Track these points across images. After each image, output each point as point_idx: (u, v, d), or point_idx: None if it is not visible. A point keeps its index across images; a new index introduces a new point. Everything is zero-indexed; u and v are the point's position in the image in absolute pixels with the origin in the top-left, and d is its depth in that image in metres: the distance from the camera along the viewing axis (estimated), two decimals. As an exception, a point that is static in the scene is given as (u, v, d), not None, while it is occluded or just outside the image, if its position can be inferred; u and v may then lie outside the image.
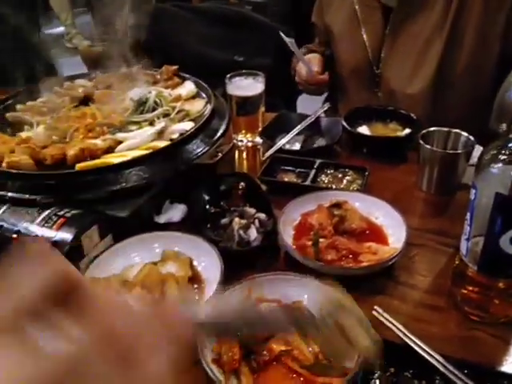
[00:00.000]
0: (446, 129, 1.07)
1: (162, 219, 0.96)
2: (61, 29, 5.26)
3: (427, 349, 0.67)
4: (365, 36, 1.36)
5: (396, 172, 1.13)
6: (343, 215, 0.91)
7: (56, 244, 0.77)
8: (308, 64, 1.38)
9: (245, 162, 1.22)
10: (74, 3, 5.01)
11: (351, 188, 1.03)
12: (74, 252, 0.78)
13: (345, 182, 1.05)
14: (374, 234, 0.91)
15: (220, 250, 0.83)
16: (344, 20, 1.40)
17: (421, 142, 1.03)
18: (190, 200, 0.98)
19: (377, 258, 0.84)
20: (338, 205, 0.93)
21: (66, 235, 0.78)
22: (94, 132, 0.97)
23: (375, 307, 0.74)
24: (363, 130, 1.22)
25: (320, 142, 1.22)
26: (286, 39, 1.29)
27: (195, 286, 0.82)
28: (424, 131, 1.07)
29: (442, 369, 0.65)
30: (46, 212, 0.82)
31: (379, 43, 1.35)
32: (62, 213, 0.81)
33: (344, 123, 1.18)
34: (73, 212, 0.81)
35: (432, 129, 1.07)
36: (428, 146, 1.03)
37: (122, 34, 1.54)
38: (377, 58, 1.36)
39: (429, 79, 1.29)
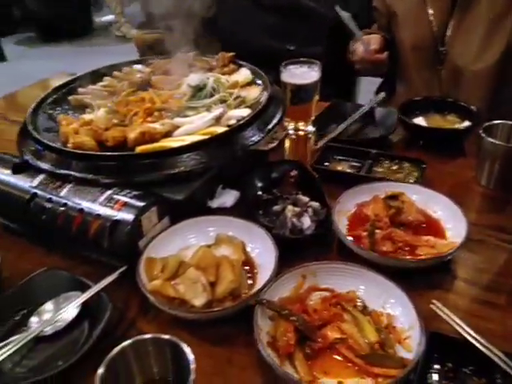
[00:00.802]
0: (510, 122, 1.03)
1: (214, 204, 0.97)
2: (111, 17, 5.39)
3: (488, 345, 0.65)
4: (431, 14, 1.36)
5: (453, 165, 1.10)
6: (400, 207, 0.89)
7: (117, 223, 0.80)
8: (365, 41, 1.37)
9: (296, 150, 1.21)
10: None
11: (408, 180, 1.01)
12: (134, 232, 0.81)
13: (401, 174, 1.03)
14: (431, 227, 0.89)
15: (272, 237, 0.83)
16: (410, 0, 1.40)
17: (482, 134, 1.00)
18: (243, 186, 0.98)
19: (435, 251, 0.82)
20: (394, 196, 0.92)
21: (128, 215, 0.80)
22: (153, 116, 0.99)
23: (433, 301, 0.72)
24: (419, 121, 1.19)
25: (374, 133, 1.20)
26: (342, 13, 1.28)
27: (248, 270, 0.83)
28: (486, 124, 1.03)
29: (504, 366, 0.63)
30: (108, 192, 0.84)
31: (445, 21, 1.35)
32: (123, 193, 0.84)
33: (400, 114, 1.15)
34: (133, 193, 0.84)
35: (495, 122, 1.04)
36: (490, 139, 0.99)
37: (177, 21, 1.55)
38: (442, 35, 1.36)
39: (497, 56, 1.29)
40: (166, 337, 0.58)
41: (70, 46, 4.94)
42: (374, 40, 1.40)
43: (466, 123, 1.17)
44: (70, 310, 0.75)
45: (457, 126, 1.17)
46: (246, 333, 0.71)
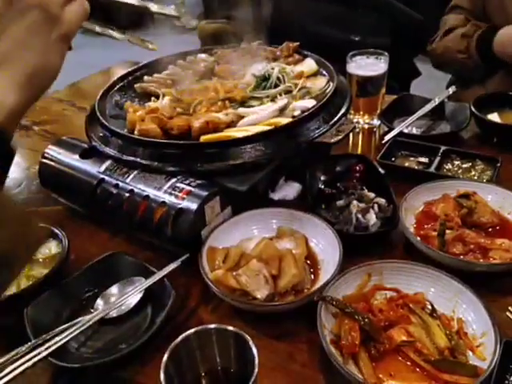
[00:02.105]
0: None
1: (276, 196, 0.96)
2: (171, 7, 5.46)
3: None
4: None
5: (530, 165, 1.03)
6: (472, 207, 0.84)
7: (182, 211, 0.80)
8: None
9: (360, 144, 1.18)
10: (184, -17, 5.18)
11: (480, 179, 0.95)
12: (197, 220, 0.81)
13: (473, 172, 0.97)
14: (506, 230, 0.84)
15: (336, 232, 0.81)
16: None
17: None
18: (306, 179, 0.96)
19: (509, 256, 0.77)
20: (466, 196, 0.87)
21: (192, 204, 0.80)
22: (217, 106, 0.99)
23: (510, 308, 0.68)
24: (493, 117, 1.12)
25: (444, 128, 1.14)
26: None
27: (311, 265, 0.81)
28: None
29: None
30: (173, 180, 0.85)
31: None
32: (187, 182, 0.84)
33: (473, 109, 1.09)
34: (198, 182, 0.84)
35: None
36: None
37: (241, 11, 1.55)
38: None
39: None
40: (231, 328, 0.57)
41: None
42: None
43: (545, 120, 1.09)
44: (134, 295, 0.76)
45: (534, 123, 1.10)
46: (308, 329, 0.70)
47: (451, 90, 1.20)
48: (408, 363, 0.65)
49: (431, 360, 0.64)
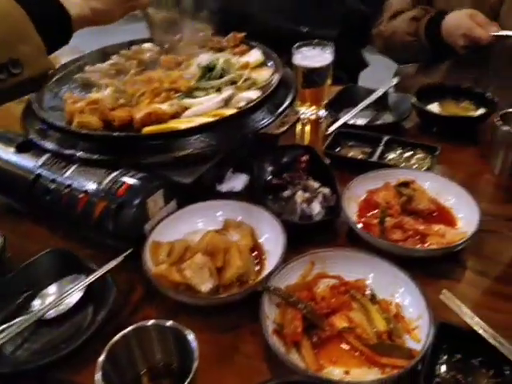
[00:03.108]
0: (525, 110, 1.00)
1: (223, 188, 0.95)
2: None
3: (497, 336, 0.64)
4: None
5: (467, 154, 1.07)
6: (411, 195, 0.87)
7: (123, 205, 0.78)
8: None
9: (307, 134, 1.19)
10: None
11: (420, 167, 0.98)
12: (139, 214, 0.79)
13: (413, 160, 1.01)
14: (443, 216, 0.87)
15: (281, 223, 0.81)
16: None
17: (498, 122, 0.97)
18: (253, 170, 0.96)
19: (445, 241, 0.81)
20: (406, 184, 0.89)
21: (133, 198, 0.79)
22: (161, 97, 0.96)
23: (444, 291, 0.70)
24: (434, 107, 1.16)
25: (387, 119, 1.17)
26: None
27: (256, 256, 0.81)
28: (502, 112, 1.00)
29: (513, 359, 0.62)
30: (114, 174, 0.83)
31: None
32: (129, 175, 0.82)
33: (414, 99, 1.12)
34: (140, 175, 0.82)
35: (510, 110, 1.00)
36: (505, 128, 0.96)
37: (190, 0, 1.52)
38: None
39: None
40: (169, 323, 0.57)
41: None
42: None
43: (481, 111, 1.14)
44: (74, 294, 0.74)
45: (471, 113, 1.14)
46: (253, 320, 0.70)
47: (395, 80, 1.23)
48: (349, 348, 0.67)
49: (370, 344, 0.66)
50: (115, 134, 0.86)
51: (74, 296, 0.74)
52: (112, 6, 0.91)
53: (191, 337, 0.56)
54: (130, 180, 0.81)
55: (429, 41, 1.36)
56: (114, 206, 0.79)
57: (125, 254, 0.78)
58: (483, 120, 1.11)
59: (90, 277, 0.75)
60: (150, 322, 0.58)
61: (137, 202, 0.78)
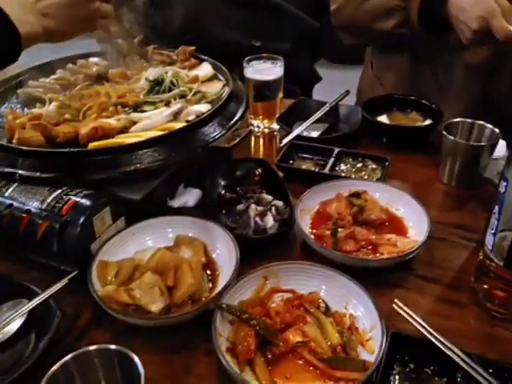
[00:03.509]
0: (470, 120, 1.03)
1: (175, 203, 0.93)
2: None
3: (449, 344, 0.65)
4: None
5: (416, 163, 1.09)
6: (362, 205, 0.88)
7: (67, 225, 0.75)
8: None
9: (261, 148, 1.19)
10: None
11: (371, 178, 1.00)
12: (85, 234, 0.76)
13: (364, 171, 1.02)
14: (394, 225, 0.88)
15: (235, 237, 0.80)
16: None
17: (444, 132, 1.00)
18: (205, 185, 0.95)
19: (397, 250, 0.82)
20: (357, 194, 0.90)
21: (78, 216, 0.75)
22: (108, 111, 0.94)
23: (395, 300, 0.71)
24: (383, 118, 1.18)
25: (338, 130, 1.18)
26: None
27: (209, 272, 0.79)
28: (447, 122, 1.03)
29: (464, 366, 0.62)
30: (57, 192, 0.79)
31: None
32: (73, 193, 0.79)
33: (363, 111, 1.14)
34: (84, 192, 0.79)
35: (455, 120, 1.04)
36: (451, 137, 0.99)
37: (139, 15, 1.50)
38: None
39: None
40: (113, 347, 0.54)
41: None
42: None
43: (428, 121, 1.17)
44: (15, 320, 0.69)
45: (419, 123, 1.17)
46: (207, 339, 0.68)
47: (345, 93, 1.25)
48: (303, 363, 0.66)
49: (324, 358, 0.65)
50: (58, 150, 0.83)
51: (16, 322, 0.70)
52: (66, 27, 0.88)
53: (137, 360, 0.53)
54: (74, 198, 0.78)
55: (423, 26, 1.10)
56: (57, 225, 0.75)
57: (69, 277, 0.74)
58: (431, 130, 1.14)
59: (32, 301, 0.70)
60: (93, 347, 0.54)
61: (82, 220, 0.75)
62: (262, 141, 1.21)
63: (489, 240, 0.73)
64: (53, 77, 1.08)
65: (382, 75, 1.44)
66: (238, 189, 0.96)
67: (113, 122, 0.90)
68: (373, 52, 1.50)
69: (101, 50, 1.23)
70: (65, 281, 0.73)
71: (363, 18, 1.24)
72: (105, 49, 1.18)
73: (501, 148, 1.03)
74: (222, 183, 0.98)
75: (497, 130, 1.00)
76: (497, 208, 0.70)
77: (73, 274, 0.74)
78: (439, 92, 1.30)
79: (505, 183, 0.68)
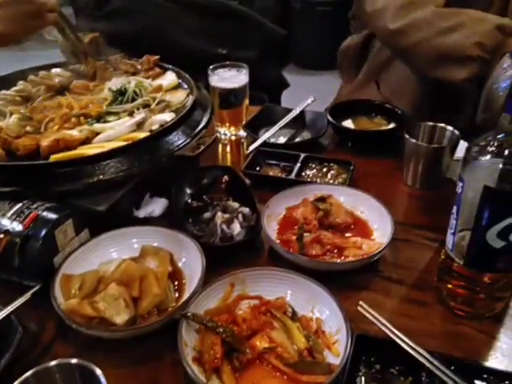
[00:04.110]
0: (431, 123, 1.05)
1: (141, 213, 0.93)
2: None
3: (413, 344, 0.66)
4: None
5: (381, 166, 1.11)
6: (328, 209, 0.89)
7: (28, 239, 0.74)
8: None
9: (228, 155, 1.19)
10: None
11: (336, 182, 1.01)
12: (47, 247, 0.75)
13: (329, 176, 1.03)
14: (359, 228, 0.90)
15: (202, 246, 0.80)
16: None
17: (406, 135, 1.02)
18: (171, 194, 0.94)
19: (362, 252, 0.83)
20: (322, 199, 0.91)
21: (39, 230, 0.74)
22: (70, 123, 0.93)
23: (360, 302, 0.72)
24: (348, 123, 1.20)
25: (305, 136, 1.20)
26: None
27: (175, 282, 0.79)
28: (409, 125, 1.05)
29: (428, 365, 0.63)
30: (18, 205, 0.78)
31: None
32: (34, 206, 0.77)
33: (329, 117, 1.16)
34: (46, 205, 0.78)
35: (417, 123, 1.06)
36: (413, 140, 1.01)
37: (103, 23, 1.49)
38: None
39: None
40: (74, 361, 0.53)
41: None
42: None
43: (392, 125, 1.19)
44: (-25, 338, 0.68)
45: (383, 127, 1.20)
46: (174, 349, 0.67)
47: (310, 99, 1.26)
48: (270, 369, 0.66)
49: (291, 363, 0.65)
50: (18, 163, 0.81)
51: (-25, 341, 0.68)
52: (13, 29, 0.88)
53: (99, 373, 0.52)
54: (35, 211, 0.76)
55: None
56: (17, 240, 0.74)
57: (32, 291, 0.72)
58: (394, 133, 1.16)
59: (-8, 318, 0.69)
60: (53, 362, 0.53)
61: (43, 234, 0.74)
62: (229, 148, 1.21)
63: (449, 240, 0.74)
64: (14, 89, 1.07)
65: (394, 98, 1.31)
66: (204, 197, 0.96)
67: (75, 133, 0.89)
68: (388, 74, 1.36)
69: (64, 60, 1.22)
70: (27, 295, 0.72)
71: (431, 52, 1.04)
72: (60, 47, 1.17)
73: (463, 149, 1.05)
74: (189, 192, 0.98)
75: (457, 132, 1.03)
76: (455, 208, 0.72)
77: (35, 289, 0.73)
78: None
79: (461, 183, 0.70)
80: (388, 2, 1.09)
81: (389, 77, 1.35)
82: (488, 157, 0.66)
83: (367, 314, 0.71)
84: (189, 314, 0.67)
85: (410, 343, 0.66)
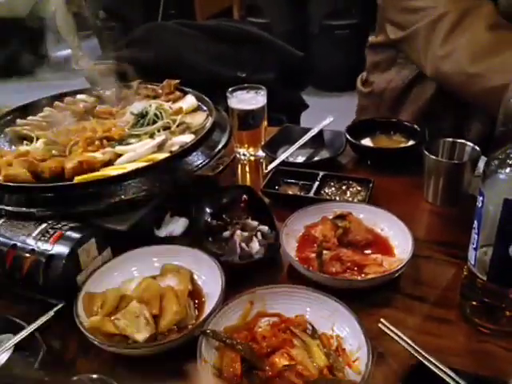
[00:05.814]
0: (450, 139, 1.05)
1: (162, 233, 0.94)
2: (68, 51, 5.33)
3: (437, 363, 0.64)
4: None
5: (401, 184, 1.11)
6: (347, 227, 0.89)
7: (52, 258, 0.76)
8: None
9: (247, 175, 1.21)
10: (80, 26, 5.10)
11: (355, 200, 1.01)
12: (70, 266, 0.77)
13: (349, 193, 1.03)
14: (379, 245, 0.89)
15: (222, 264, 0.81)
16: None
17: (425, 152, 1.02)
18: (192, 213, 0.96)
19: (382, 269, 0.82)
20: (342, 216, 0.91)
21: (63, 248, 0.76)
22: (94, 146, 0.96)
23: (381, 320, 0.71)
24: (366, 142, 1.21)
25: (323, 155, 1.20)
26: None
27: (195, 300, 0.79)
28: (428, 141, 1.05)
29: (453, 384, 0.62)
30: (43, 225, 0.80)
31: None
32: (58, 226, 0.80)
33: (347, 135, 1.17)
34: (70, 225, 0.80)
35: (437, 139, 1.06)
36: (433, 157, 1.01)
37: (124, 53, 1.55)
38: None
39: None
40: (95, 376, 0.54)
41: (18, 83, 4.79)
42: None
43: (411, 142, 1.19)
44: (1, 355, 0.69)
45: (402, 145, 1.20)
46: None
47: (328, 119, 1.27)
48: (291, 387, 0.65)
49: (311, 381, 0.64)
50: (43, 184, 0.84)
51: (1, 357, 0.69)
52: None
53: (119, 389, 0.53)
54: (59, 231, 0.78)
55: None
56: (42, 258, 0.76)
57: (55, 309, 0.74)
58: (413, 150, 1.15)
59: (18, 336, 0.70)
60: (74, 377, 0.54)
61: (67, 253, 0.76)
62: (248, 168, 1.22)
63: (471, 255, 0.73)
64: (40, 114, 1.11)
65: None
66: (224, 216, 0.97)
67: (98, 155, 0.92)
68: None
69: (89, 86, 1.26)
70: (51, 313, 0.73)
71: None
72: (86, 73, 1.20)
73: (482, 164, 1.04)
74: (209, 211, 0.99)
75: (478, 148, 1.02)
76: (476, 223, 0.71)
77: (59, 307, 0.74)
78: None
79: (481, 197, 0.69)
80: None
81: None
82: (508, 170, 0.65)
83: (389, 332, 0.70)
84: (208, 332, 0.68)
85: (434, 361, 0.64)
